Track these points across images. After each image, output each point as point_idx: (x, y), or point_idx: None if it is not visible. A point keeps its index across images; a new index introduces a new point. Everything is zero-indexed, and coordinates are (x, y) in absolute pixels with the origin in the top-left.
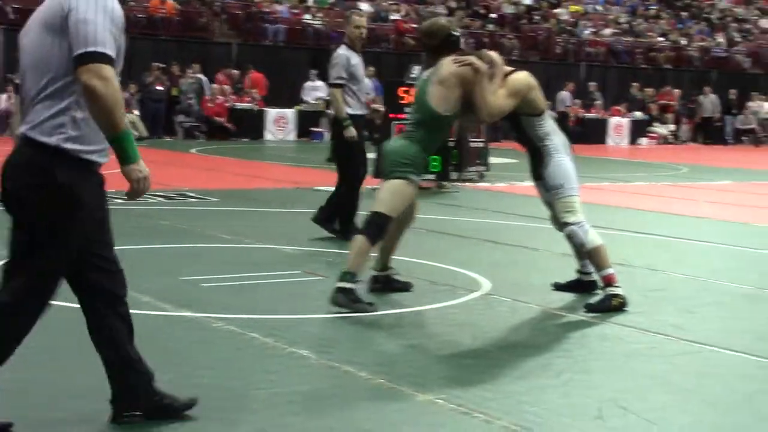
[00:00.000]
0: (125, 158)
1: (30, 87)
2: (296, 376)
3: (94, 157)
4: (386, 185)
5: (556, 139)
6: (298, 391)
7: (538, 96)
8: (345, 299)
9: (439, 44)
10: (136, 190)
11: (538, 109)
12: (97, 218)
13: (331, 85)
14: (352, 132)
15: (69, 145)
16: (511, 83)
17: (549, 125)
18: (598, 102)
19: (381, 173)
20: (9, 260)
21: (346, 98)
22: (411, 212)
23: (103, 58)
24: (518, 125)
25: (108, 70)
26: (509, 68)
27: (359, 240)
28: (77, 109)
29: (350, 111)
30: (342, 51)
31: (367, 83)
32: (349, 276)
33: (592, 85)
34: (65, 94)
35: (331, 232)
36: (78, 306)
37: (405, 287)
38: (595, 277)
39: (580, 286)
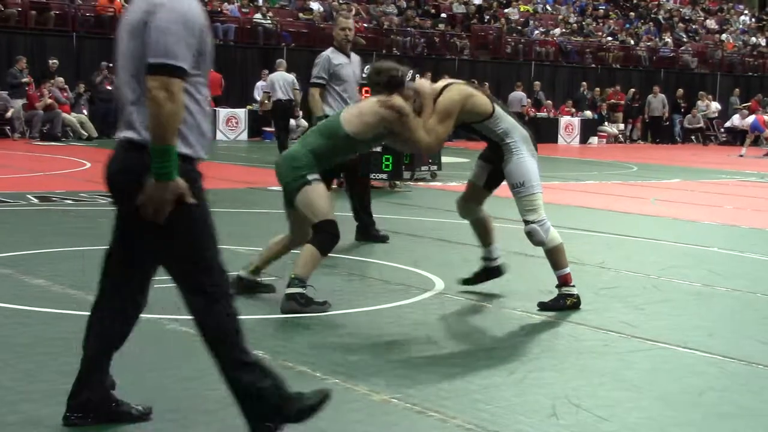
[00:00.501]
0: (156, 174)
1: (126, 92)
2: None
3: (194, 154)
4: (300, 199)
5: (516, 136)
6: None
7: (478, 101)
8: (297, 305)
9: (385, 82)
10: (144, 208)
11: (483, 113)
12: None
13: (310, 85)
14: None
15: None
16: (439, 107)
17: (506, 122)
18: (546, 102)
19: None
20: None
21: (327, 99)
22: (305, 234)
23: (175, 72)
24: (475, 131)
25: (176, 85)
26: (442, 83)
27: (309, 248)
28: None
29: (329, 111)
30: (326, 52)
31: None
32: (297, 281)
33: (537, 84)
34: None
35: (378, 238)
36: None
37: (270, 290)
38: (501, 262)
39: (486, 274)
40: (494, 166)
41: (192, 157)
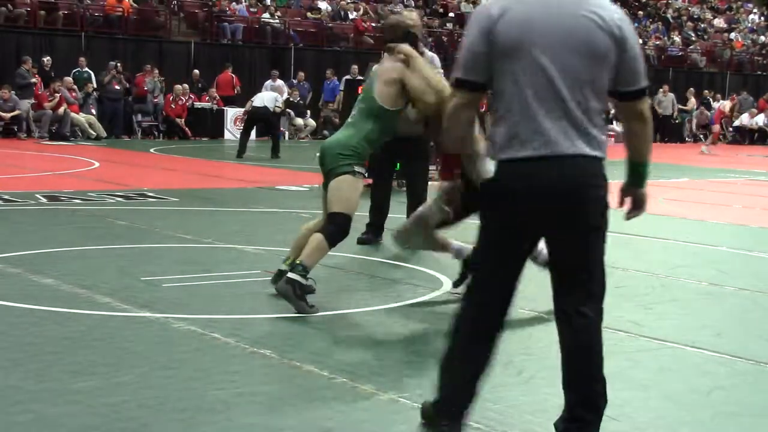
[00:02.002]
0: (641, 183)
1: (582, 110)
2: (258, 375)
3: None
4: (334, 183)
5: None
6: (260, 391)
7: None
8: (291, 291)
9: (399, 39)
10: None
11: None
12: None
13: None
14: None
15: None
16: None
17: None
18: None
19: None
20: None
21: None
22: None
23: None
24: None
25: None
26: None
27: (318, 237)
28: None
29: None
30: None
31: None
32: (300, 267)
33: None
34: (601, 116)
35: (364, 242)
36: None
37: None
38: None
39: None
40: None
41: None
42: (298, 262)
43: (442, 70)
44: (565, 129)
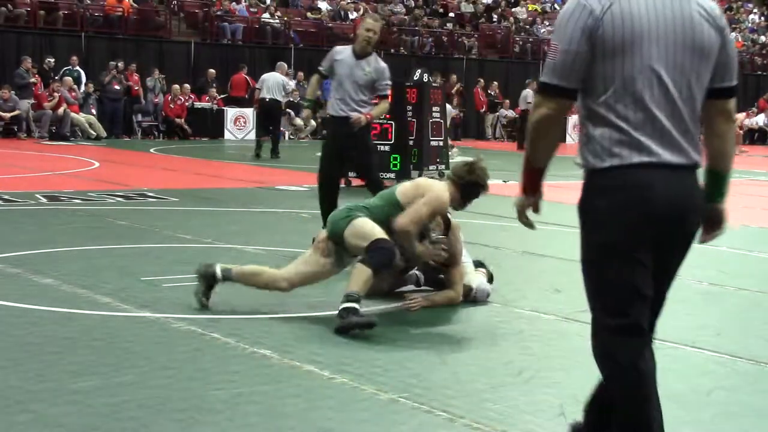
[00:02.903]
0: (721, 197)
1: (694, 112)
2: (258, 376)
3: None
4: (348, 234)
5: None
6: (259, 391)
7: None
8: (343, 320)
9: (464, 185)
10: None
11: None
12: None
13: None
14: (305, 113)
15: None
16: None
17: None
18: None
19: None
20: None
21: (332, 94)
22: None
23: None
24: None
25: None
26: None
27: (361, 269)
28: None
29: (328, 110)
30: (340, 47)
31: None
32: (353, 296)
33: (529, 82)
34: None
35: None
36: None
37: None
38: None
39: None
40: None
41: None
42: (348, 292)
43: (390, 81)
44: (677, 131)
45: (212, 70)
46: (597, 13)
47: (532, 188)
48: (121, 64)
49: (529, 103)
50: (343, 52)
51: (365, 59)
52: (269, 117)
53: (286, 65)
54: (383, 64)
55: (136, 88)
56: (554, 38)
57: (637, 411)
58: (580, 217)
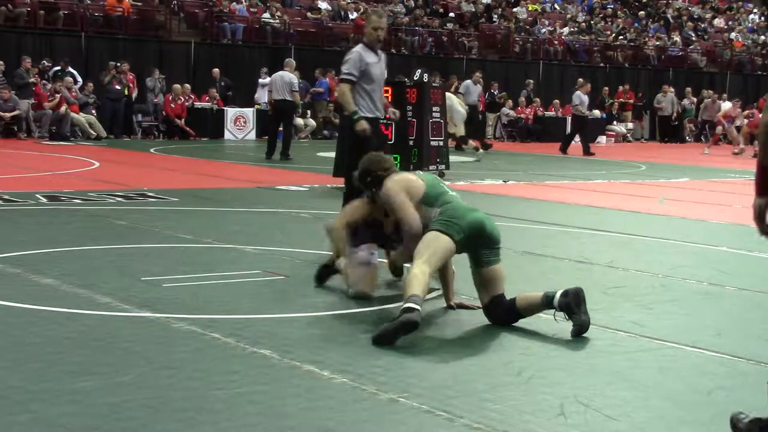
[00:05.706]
0: None
1: None
2: (258, 375)
3: None
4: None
5: None
6: (260, 390)
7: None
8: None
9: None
10: None
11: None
12: None
13: (340, 81)
14: (364, 124)
15: None
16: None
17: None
18: (536, 100)
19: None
20: None
21: (356, 97)
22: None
23: None
24: None
25: None
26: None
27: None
28: None
29: (360, 113)
30: (358, 49)
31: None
32: (415, 297)
33: (530, 82)
34: None
35: None
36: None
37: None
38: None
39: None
40: None
41: None
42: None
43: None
44: None
45: (216, 69)
46: None
47: (763, 187)
48: (126, 66)
49: (576, 105)
50: (368, 56)
51: (379, 56)
52: (279, 118)
53: (294, 62)
54: (384, 54)
55: (130, 86)
56: None
57: None
58: None
